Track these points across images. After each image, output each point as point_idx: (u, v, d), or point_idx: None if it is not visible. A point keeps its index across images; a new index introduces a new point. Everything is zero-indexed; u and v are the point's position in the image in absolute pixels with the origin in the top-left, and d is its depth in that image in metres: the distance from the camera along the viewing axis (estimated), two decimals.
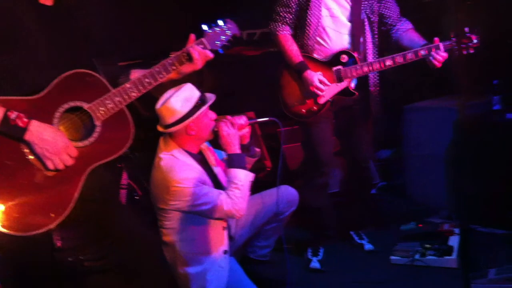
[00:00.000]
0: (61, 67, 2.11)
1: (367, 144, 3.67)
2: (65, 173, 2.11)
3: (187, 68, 2.41)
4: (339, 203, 3.88)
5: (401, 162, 4.57)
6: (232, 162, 2.85)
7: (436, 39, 3.20)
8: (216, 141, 2.92)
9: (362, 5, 3.32)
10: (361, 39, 3.35)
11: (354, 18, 3.32)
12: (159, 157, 2.83)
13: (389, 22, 3.41)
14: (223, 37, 2.47)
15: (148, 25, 5.14)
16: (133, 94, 2.23)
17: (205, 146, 3.02)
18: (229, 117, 2.91)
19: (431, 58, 3.20)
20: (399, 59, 3.25)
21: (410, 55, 3.23)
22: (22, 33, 2.07)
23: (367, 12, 3.34)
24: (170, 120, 2.78)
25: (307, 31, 3.30)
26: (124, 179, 3.72)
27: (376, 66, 3.29)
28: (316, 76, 3.27)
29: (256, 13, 4.63)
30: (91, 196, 2.17)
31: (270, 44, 4.78)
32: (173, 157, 2.81)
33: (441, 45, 3.19)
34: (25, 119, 2.01)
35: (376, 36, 3.41)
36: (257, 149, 3.10)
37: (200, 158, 2.92)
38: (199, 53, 2.37)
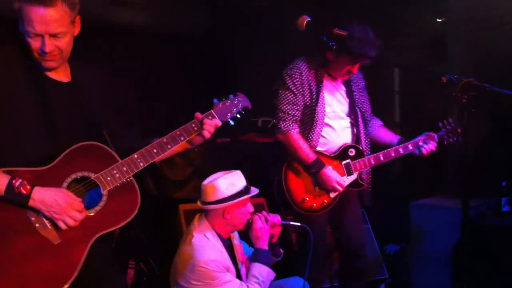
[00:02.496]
0: (71, 139, 2.17)
1: (360, 231, 3.67)
2: (71, 242, 2.13)
3: (196, 139, 2.45)
4: None
5: (408, 258, 4.52)
6: (258, 257, 2.88)
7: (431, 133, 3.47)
8: (245, 233, 2.96)
9: (355, 100, 3.48)
10: (356, 131, 3.48)
11: (351, 112, 3.47)
12: (192, 234, 2.86)
13: (364, 116, 3.55)
14: (233, 109, 2.53)
15: (161, 103, 5.36)
16: (141, 164, 2.26)
17: (237, 240, 3.05)
18: (264, 212, 2.96)
19: (422, 148, 3.43)
20: (402, 151, 3.44)
21: (411, 146, 3.44)
22: (29, 106, 2.14)
23: (359, 106, 3.50)
24: (211, 198, 2.84)
25: (313, 127, 3.35)
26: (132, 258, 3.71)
27: (381, 158, 3.42)
28: (335, 173, 3.34)
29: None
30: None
31: None
32: (204, 237, 2.84)
33: (435, 136, 3.47)
34: (28, 186, 2.05)
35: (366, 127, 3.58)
36: (281, 250, 3.10)
37: (229, 245, 2.95)
38: (207, 124, 2.41)
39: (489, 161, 4.25)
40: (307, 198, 3.38)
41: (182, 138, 2.38)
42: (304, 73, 3.33)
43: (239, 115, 2.56)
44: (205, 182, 2.89)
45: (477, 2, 4.33)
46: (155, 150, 2.30)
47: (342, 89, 3.48)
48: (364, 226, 4.47)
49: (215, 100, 2.53)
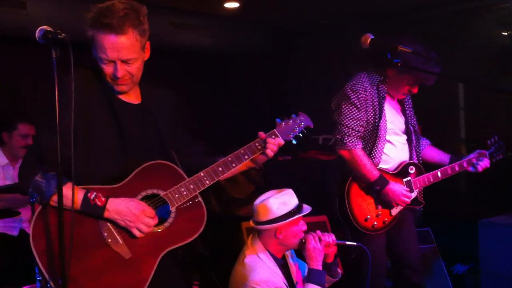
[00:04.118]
0: (141, 158, 2.24)
1: (417, 248, 3.62)
2: (141, 257, 2.19)
3: (260, 158, 2.48)
4: None
5: (477, 279, 4.36)
6: (312, 277, 2.83)
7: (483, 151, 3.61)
8: (299, 252, 2.95)
9: (409, 116, 3.49)
10: (410, 149, 3.49)
11: (406, 129, 3.48)
12: (244, 254, 2.88)
13: (417, 134, 3.55)
14: (296, 128, 2.55)
15: (224, 121, 5.44)
16: (207, 182, 2.31)
17: (293, 259, 3.04)
18: (318, 232, 2.92)
19: (478, 166, 3.54)
20: (457, 168, 3.51)
21: (465, 164, 3.55)
22: (102, 128, 2.23)
23: (412, 124, 3.50)
24: (263, 218, 2.85)
25: (376, 144, 3.33)
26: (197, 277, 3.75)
27: (438, 175, 3.45)
28: (399, 187, 3.32)
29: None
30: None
31: None
32: (257, 257, 2.85)
33: (486, 153, 3.60)
34: (103, 198, 2.13)
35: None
36: (339, 271, 3.05)
37: (283, 264, 2.94)
38: (270, 143, 2.44)
39: None
40: (369, 217, 3.34)
41: (246, 157, 2.43)
42: (368, 89, 3.31)
43: (302, 134, 2.57)
44: (257, 201, 2.89)
45: None
46: (220, 169, 2.36)
47: (398, 107, 3.49)
48: (430, 246, 4.38)
49: (278, 120, 2.56)
